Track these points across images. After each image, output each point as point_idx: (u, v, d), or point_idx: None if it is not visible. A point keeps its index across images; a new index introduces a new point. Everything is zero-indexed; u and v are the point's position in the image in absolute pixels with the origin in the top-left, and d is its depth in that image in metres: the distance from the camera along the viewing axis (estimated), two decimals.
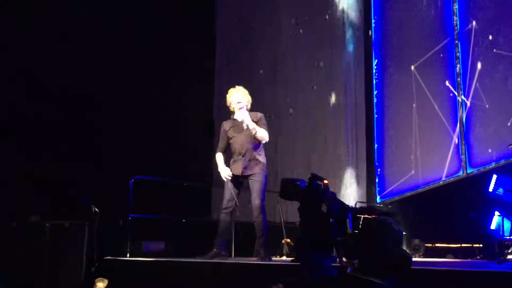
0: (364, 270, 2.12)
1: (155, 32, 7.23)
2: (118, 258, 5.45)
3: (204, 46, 7.87)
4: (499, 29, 7.26)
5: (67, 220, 5.38)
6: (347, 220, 3.59)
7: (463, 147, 7.49)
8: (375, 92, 8.58)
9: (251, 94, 5.45)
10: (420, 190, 7.76)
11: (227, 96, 5.42)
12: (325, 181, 3.33)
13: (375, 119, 8.60)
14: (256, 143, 5.29)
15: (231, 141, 5.34)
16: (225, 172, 5.26)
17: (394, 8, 8.26)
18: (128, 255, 5.63)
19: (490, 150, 7.27)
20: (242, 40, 8.31)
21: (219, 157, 5.38)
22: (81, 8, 6.72)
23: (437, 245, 7.46)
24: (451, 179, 7.57)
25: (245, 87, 5.47)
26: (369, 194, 8.52)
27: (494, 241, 6.64)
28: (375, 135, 8.57)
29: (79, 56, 6.70)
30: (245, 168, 5.23)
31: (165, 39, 7.29)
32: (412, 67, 7.66)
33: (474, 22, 7.37)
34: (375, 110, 8.54)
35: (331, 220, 3.21)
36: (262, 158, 5.32)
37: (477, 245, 7.08)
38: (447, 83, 7.48)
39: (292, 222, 6.70)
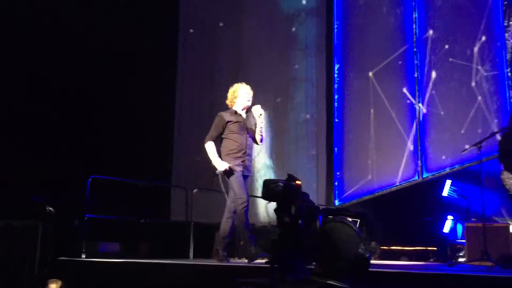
0: (322, 273, 2.10)
1: (114, 29, 7.16)
2: (73, 258, 5.34)
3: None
4: (455, 39, 7.48)
5: (21, 220, 5.24)
6: (317, 222, 3.61)
7: (419, 152, 7.68)
8: (336, 97, 8.69)
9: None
10: (377, 194, 7.90)
11: (242, 90, 5.27)
12: (298, 182, 3.34)
13: (335, 123, 8.71)
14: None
15: (232, 136, 5.14)
16: (225, 165, 5.02)
17: (356, 14, 8.39)
18: (83, 256, 5.52)
19: (444, 157, 7.47)
20: (204, 41, 8.32)
21: (213, 147, 5.13)
22: None
23: (392, 247, 7.61)
24: (407, 183, 7.75)
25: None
26: (329, 197, 8.62)
27: (447, 244, 6.85)
28: (334, 139, 8.68)
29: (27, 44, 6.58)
30: (246, 168, 5.14)
31: (121, 33, 7.21)
32: (370, 74, 7.79)
33: (431, 31, 7.56)
34: (335, 114, 8.65)
35: (299, 221, 3.22)
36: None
37: (431, 248, 7.26)
38: (404, 90, 7.65)
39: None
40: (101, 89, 7.16)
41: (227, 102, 5.35)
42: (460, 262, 5.92)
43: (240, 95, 5.26)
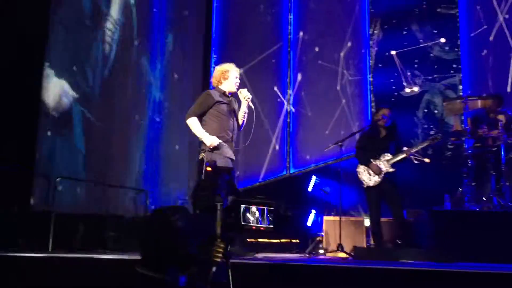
0: (146, 264, 2.08)
1: None
2: None
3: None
4: (325, 42, 7.90)
5: None
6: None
7: (288, 149, 8.00)
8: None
9: None
10: (246, 188, 8.08)
11: (233, 72, 4.92)
12: None
13: None
14: None
15: (220, 118, 4.74)
16: (215, 140, 4.59)
17: (235, 11, 8.50)
18: None
19: (308, 157, 7.86)
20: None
21: (197, 121, 4.68)
22: None
23: (259, 240, 7.85)
24: (275, 178, 8.03)
25: None
26: None
27: (309, 237, 7.23)
28: None
29: None
30: (231, 155, 4.77)
31: None
32: (241, 70, 7.95)
33: (301, 33, 7.88)
34: None
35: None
36: None
37: (294, 241, 7.60)
38: (275, 88, 7.90)
39: None
40: None
41: (213, 80, 5.00)
42: (319, 254, 6.28)
43: (230, 77, 4.93)
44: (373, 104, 7.83)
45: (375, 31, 8.67)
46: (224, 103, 4.82)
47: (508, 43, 8.36)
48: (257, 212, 3.08)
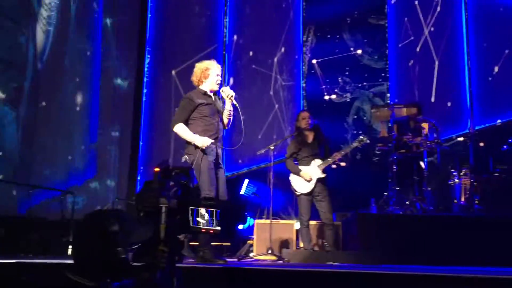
0: (76, 270, 2.00)
1: None
2: None
3: None
4: (260, 47, 7.97)
5: None
6: None
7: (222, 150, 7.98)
8: (145, 91, 8.60)
9: None
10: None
11: (213, 70, 4.72)
12: None
13: (143, 116, 8.61)
14: None
15: (203, 120, 4.63)
16: (205, 140, 4.51)
17: (170, 10, 8.40)
18: None
19: (240, 161, 7.89)
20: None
21: (184, 127, 4.62)
22: None
23: (191, 243, 7.78)
24: None
25: None
26: (130, 191, 8.48)
27: (241, 240, 7.25)
28: (141, 134, 8.58)
29: None
30: (218, 156, 4.68)
31: None
32: (174, 72, 7.86)
33: (235, 36, 7.91)
34: (143, 109, 8.54)
35: None
36: None
37: (226, 244, 7.59)
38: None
39: None
40: None
41: (193, 79, 4.80)
42: (251, 257, 6.31)
43: (211, 76, 4.75)
44: (305, 109, 7.98)
45: (309, 38, 8.86)
46: (206, 104, 4.72)
47: (432, 55, 8.80)
48: (206, 214, 3.04)
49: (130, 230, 2.17)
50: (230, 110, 4.77)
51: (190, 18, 7.87)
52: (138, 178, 8.49)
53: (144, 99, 8.49)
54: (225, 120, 4.83)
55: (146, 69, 8.62)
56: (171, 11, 8.18)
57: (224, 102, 4.82)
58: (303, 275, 3.84)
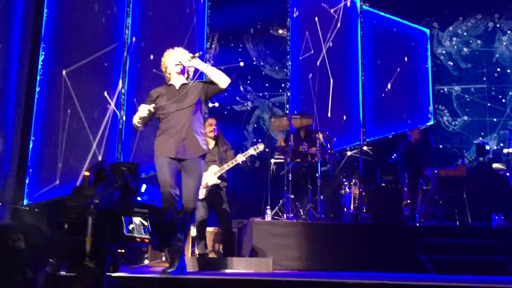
0: None
1: None
2: None
3: None
4: (162, 51, 7.85)
5: None
6: None
7: (119, 156, 7.75)
8: (38, 89, 8.12)
9: None
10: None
11: (164, 59, 4.43)
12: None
13: (34, 116, 8.12)
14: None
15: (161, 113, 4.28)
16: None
17: (71, 7, 8.00)
18: None
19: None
20: None
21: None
22: None
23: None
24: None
25: None
26: (16, 195, 7.94)
27: (133, 246, 7.08)
28: (31, 135, 8.07)
29: None
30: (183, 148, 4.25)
31: None
32: (64, 72, 7.52)
33: (134, 38, 7.72)
34: (35, 109, 8.03)
35: None
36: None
37: (120, 250, 7.37)
38: (105, 94, 7.59)
39: None
40: None
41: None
42: (145, 264, 6.19)
43: (169, 67, 4.41)
44: (206, 116, 7.99)
45: (212, 45, 8.91)
46: (164, 95, 4.40)
47: (330, 70, 9.21)
48: (141, 223, 2.84)
49: (40, 246, 1.97)
50: (205, 66, 4.37)
51: (89, 17, 7.57)
52: (27, 181, 7.99)
53: (36, 96, 7.99)
54: (215, 77, 4.33)
55: (40, 67, 8.15)
56: (69, 8, 7.80)
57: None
58: (197, 282, 3.83)
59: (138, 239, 3.01)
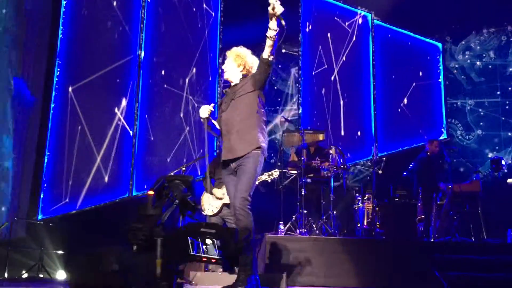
0: None
1: None
2: None
3: None
4: (173, 67, 7.91)
5: None
6: None
7: (133, 171, 7.76)
8: (52, 105, 8.20)
9: None
10: (80, 210, 7.60)
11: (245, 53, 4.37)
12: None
13: (49, 132, 8.19)
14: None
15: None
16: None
17: (84, 24, 8.10)
18: None
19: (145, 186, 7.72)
20: None
21: None
22: None
23: None
24: (117, 200, 7.74)
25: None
26: (31, 210, 7.98)
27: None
28: (46, 150, 8.13)
29: None
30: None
31: None
32: (70, 88, 7.57)
33: (143, 53, 7.72)
34: (50, 125, 8.09)
35: None
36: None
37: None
38: (116, 110, 7.62)
39: None
40: None
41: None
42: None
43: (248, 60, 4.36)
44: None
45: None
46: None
47: (338, 87, 9.20)
48: (209, 242, 2.75)
49: (130, 269, 2.01)
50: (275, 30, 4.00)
51: (102, 33, 7.64)
52: (41, 196, 8.05)
53: (51, 111, 8.05)
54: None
55: (55, 82, 8.24)
56: (84, 25, 7.89)
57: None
58: None
59: (204, 259, 2.92)
